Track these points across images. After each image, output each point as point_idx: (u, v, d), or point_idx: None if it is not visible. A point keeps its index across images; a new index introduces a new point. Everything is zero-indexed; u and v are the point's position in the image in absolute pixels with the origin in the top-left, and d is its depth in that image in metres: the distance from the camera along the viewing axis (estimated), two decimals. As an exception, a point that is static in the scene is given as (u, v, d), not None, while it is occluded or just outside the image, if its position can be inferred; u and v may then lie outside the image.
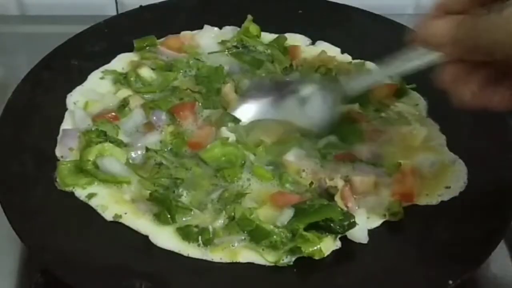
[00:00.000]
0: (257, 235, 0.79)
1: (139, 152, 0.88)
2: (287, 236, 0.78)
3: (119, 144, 0.89)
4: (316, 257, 0.77)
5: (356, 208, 0.82)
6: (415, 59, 0.78)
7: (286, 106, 0.94)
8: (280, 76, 1.01)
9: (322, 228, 0.79)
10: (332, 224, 0.78)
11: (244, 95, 0.96)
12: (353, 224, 0.79)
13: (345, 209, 0.81)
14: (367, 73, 0.93)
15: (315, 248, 0.77)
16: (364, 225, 0.80)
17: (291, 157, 0.88)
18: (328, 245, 0.79)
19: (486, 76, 0.68)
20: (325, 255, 0.78)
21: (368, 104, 0.97)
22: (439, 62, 0.70)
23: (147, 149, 0.88)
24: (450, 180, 0.87)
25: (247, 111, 0.94)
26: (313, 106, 0.93)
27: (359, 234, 0.79)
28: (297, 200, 0.82)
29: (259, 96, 0.95)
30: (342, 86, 0.92)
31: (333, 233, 0.79)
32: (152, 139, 0.90)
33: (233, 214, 0.80)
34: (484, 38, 0.62)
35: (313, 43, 1.08)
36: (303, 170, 0.87)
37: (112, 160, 0.85)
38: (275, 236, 0.78)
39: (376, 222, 0.82)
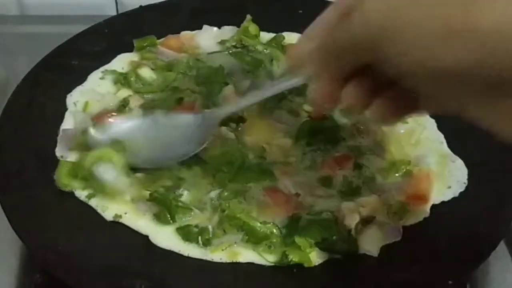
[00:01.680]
0: (250, 234, 0.79)
1: (139, 152, 0.88)
2: (280, 239, 0.78)
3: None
4: (305, 265, 0.76)
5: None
6: (287, 81, 0.73)
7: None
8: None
9: (321, 249, 0.78)
10: (331, 247, 0.77)
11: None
12: (355, 250, 0.77)
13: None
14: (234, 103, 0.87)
15: (304, 257, 0.76)
16: (376, 239, 0.79)
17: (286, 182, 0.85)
18: (319, 254, 0.78)
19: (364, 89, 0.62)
20: (314, 265, 0.76)
21: None
22: (309, 81, 0.67)
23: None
24: (450, 180, 0.87)
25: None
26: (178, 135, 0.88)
27: (371, 247, 0.78)
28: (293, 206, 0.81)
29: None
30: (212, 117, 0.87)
31: (333, 255, 0.78)
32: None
33: (225, 211, 0.80)
34: (348, 37, 0.57)
35: (311, 42, 1.08)
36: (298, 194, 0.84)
37: (108, 168, 0.84)
38: (268, 236, 0.78)
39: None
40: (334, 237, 0.78)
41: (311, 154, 0.89)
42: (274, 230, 0.79)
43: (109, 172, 0.84)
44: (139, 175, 0.85)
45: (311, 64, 0.64)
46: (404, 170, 0.87)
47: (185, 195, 0.83)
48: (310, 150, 0.89)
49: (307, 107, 0.95)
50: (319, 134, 0.91)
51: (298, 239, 0.77)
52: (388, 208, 0.82)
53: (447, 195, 0.85)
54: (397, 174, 0.87)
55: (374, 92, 0.62)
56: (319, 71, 0.63)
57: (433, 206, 0.84)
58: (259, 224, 0.79)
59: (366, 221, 0.80)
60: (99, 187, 0.83)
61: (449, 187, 0.86)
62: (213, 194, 0.83)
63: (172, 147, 0.87)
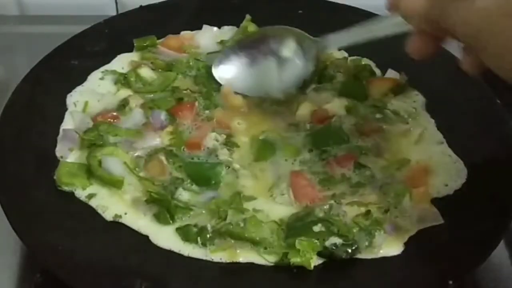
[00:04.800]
0: (249, 240, 0.79)
1: (138, 152, 0.88)
2: (279, 242, 0.78)
3: (118, 144, 0.89)
4: (306, 266, 0.76)
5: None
6: (388, 27, 0.83)
7: (264, 68, 0.97)
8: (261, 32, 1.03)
9: (323, 255, 0.78)
10: (334, 251, 0.77)
11: (224, 53, 1.01)
12: (356, 250, 0.78)
13: None
14: (346, 31, 0.91)
15: (303, 259, 0.76)
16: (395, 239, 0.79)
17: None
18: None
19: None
20: (312, 267, 0.76)
21: (365, 100, 0.98)
22: (408, 33, 0.75)
23: (147, 149, 0.88)
24: (449, 179, 0.87)
25: (227, 71, 0.99)
26: (291, 67, 0.96)
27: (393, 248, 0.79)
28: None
29: (240, 55, 0.99)
30: (320, 41, 0.95)
31: (336, 259, 0.78)
32: (152, 139, 0.90)
33: (224, 215, 0.80)
34: (453, 22, 0.66)
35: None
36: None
37: (116, 162, 0.85)
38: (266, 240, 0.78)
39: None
40: (337, 241, 0.78)
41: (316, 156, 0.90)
42: (276, 228, 0.79)
43: (117, 165, 0.85)
44: (142, 174, 0.86)
45: (414, 21, 0.72)
46: (404, 169, 0.88)
47: (185, 195, 0.83)
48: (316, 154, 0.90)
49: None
50: (325, 136, 0.91)
51: (298, 243, 0.77)
52: (387, 198, 0.83)
53: (446, 194, 0.85)
54: (396, 172, 0.87)
55: None
56: (421, 28, 0.72)
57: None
58: (257, 239, 0.78)
59: (366, 216, 0.81)
60: (104, 179, 0.84)
61: (446, 185, 0.86)
62: (212, 193, 0.84)
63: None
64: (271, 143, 0.91)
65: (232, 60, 0.99)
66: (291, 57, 0.96)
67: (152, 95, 0.98)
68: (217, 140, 0.90)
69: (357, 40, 0.90)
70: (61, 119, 0.93)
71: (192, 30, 1.09)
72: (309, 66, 0.96)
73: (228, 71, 0.99)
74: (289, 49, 0.96)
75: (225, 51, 1.02)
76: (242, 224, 0.79)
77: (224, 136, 0.91)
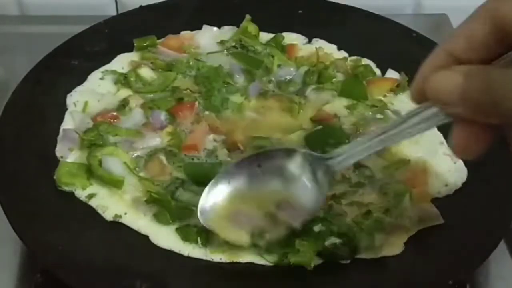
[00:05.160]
0: None
1: (138, 152, 0.88)
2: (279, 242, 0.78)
3: (118, 144, 0.89)
4: (306, 267, 0.76)
5: None
6: (418, 123, 0.62)
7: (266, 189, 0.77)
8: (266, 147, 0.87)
9: (323, 255, 0.78)
10: (334, 250, 0.77)
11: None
12: (356, 251, 0.78)
13: None
14: (356, 147, 0.72)
15: (303, 259, 0.76)
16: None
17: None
18: None
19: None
20: (312, 266, 0.76)
21: (365, 100, 0.98)
22: (447, 122, 0.58)
23: (147, 149, 0.88)
24: (449, 179, 0.87)
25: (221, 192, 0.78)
26: (300, 187, 0.76)
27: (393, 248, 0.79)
28: None
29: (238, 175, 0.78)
30: (329, 165, 0.74)
31: (336, 259, 0.78)
32: (152, 139, 0.90)
33: None
34: (501, 94, 0.49)
35: (309, 42, 1.08)
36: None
37: (116, 162, 0.85)
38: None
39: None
40: (337, 241, 0.78)
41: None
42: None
43: (117, 165, 0.85)
44: (142, 174, 0.86)
45: (453, 107, 0.53)
46: (404, 169, 0.88)
47: (184, 195, 0.83)
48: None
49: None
50: (324, 137, 0.91)
51: (298, 243, 0.77)
52: (387, 198, 0.83)
53: (446, 194, 0.85)
54: (396, 172, 0.87)
55: None
56: (471, 114, 0.53)
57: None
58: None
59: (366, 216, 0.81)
60: (104, 179, 0.84)
61: (446, 185, 0.86)
62: None
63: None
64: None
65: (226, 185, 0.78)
66: (298, 177, 0.76)
67: (152, 95, 0.98)
68: (216, 141, 0.90)
69: (375, 151, 0.70)
70: (61, 119, 0.93)
71: (192, 30, 1.09)
72: (321, 190, 0.76)
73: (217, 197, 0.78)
74: (296, 165, 0.76)
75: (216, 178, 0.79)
76: None
77: (223, 137, 0.91)
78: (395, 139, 0.66)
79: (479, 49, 0.53)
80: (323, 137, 0.91)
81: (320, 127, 0.93)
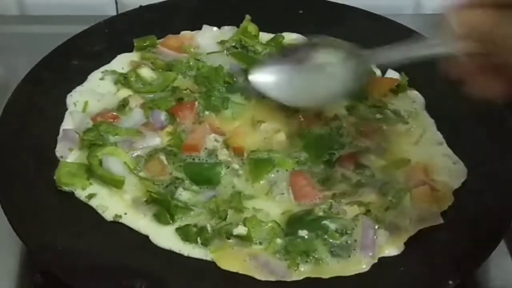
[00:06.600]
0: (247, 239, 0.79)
1: (139, 152, 0.88)
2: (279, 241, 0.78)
3: (118, 144, 0.89)
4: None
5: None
6: (436, 47, 0.72)
7: (309, 77, 0.89)
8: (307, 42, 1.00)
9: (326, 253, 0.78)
10: (333, 250, 0.78)
11: (264, 62, 0.96)
12: (356, 250, 0.78)
13: None
14: (395, 47, 0.80)
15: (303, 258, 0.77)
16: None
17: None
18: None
19: (490, 66, 0.64)
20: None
21: (365, 100, 0.98)
22: (454, 54, 0.66)
23: (147, 149, 0.88)
24: (450, 179, 0.87)
25: (267, 78, 0.92)
26: (333, 75, 0.87)
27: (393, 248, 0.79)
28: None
29: (280, 62, 0.92)
30: (367, 56, 0.86)
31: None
32: (152, 139, 0.90)
33: (224, 215, 0.80)
34: None
35: (309, 41, 1.09)
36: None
37: (116, 161, 0.86)
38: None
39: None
40: (336, 243, 0.78)
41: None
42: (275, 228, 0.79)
43: (117, 165, 0.85)
44: (142, 174, 0.86)
45: (470, 40, 0.62)
46: (404, 169, 0.88)
47: (184, 195, 0.83)
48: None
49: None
50: (324, 143, 0.91)
51: (298, 243, 0.77)
52: (387, 198, 0.83)
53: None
54: (396, 172, 0.87)
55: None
56: (473, 50, 0.62)
57: (433, 206, 0.84)
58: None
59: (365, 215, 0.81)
60: (104, 179, 0.83)
61: (446, 184, 0.86)
62: (212, 193, 0.84)
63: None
64: (265, 161, 0.88)
65: (274, 67, 0.92)
66: (338, 69, 0.87)
67: (152, 95, 0.98)
68: (216, 141, 0.90)
69: (400, 58, 0.80)
70: (61, 119, 0.93)
71: (192, 30, 1.09)
72: (355, 80, 0.87)
73: (268, 78, 0.92)
74: (337, 60, 0.87)
75: (266, 58, 0.99)
76: (241, 224, 0.79)
77: (223, 137, 0.91)
78: (414, 53, 0.76)
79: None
80: (323, 145, 0.91)
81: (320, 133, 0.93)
